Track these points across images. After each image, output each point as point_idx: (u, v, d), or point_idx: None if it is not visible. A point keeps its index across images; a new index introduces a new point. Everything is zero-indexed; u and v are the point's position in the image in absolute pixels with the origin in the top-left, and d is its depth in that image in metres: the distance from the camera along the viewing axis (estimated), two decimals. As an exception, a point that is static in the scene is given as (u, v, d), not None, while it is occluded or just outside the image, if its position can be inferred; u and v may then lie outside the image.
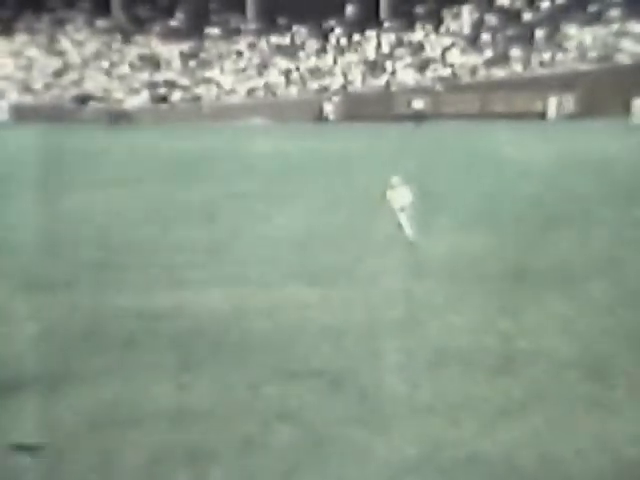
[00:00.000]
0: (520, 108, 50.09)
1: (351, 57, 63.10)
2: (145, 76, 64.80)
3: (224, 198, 25.21)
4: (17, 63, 65.25)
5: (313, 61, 63.62)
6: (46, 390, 10.42)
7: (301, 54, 64.54)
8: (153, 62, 66.33)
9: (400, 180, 18.58)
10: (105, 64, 66.03)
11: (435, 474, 8.19)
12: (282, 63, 64.12)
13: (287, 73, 63.02)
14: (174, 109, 60.99)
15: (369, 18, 64.12)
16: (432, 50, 59.85)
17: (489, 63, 56.94)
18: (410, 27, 62.29)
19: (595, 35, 53.62)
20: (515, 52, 56.67)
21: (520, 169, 29.36)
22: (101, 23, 69.49)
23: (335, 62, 63.10)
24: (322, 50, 64.55)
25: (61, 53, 66.93)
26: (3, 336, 12.51)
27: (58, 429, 9.38)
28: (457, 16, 61.38)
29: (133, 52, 67.39)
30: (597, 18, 54.42)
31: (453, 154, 35.53)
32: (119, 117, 56.84)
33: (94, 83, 63.78)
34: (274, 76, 63.21)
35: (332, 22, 66.10)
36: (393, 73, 59.53)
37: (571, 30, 54.94)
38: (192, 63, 66.16)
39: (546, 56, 54.72)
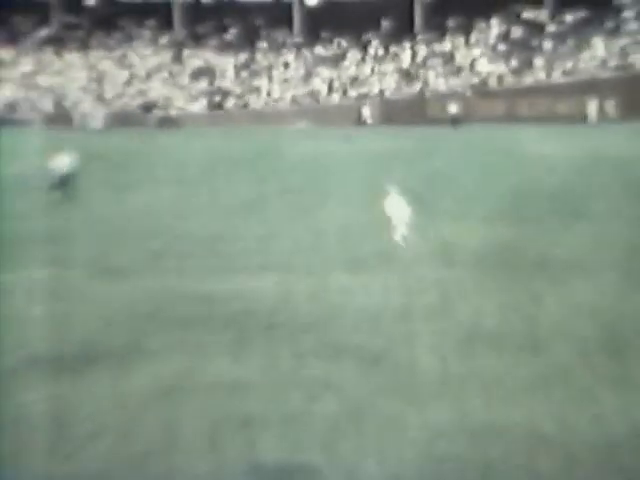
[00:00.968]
0: (560, 112, 49.75)
1: (387, 66, 62.92)
2: (202, 85, 65.29)
3: (273, 194, 25.23)
4: (91, 75, 66.10)
5: (353, 70, 63.60)
6: (119, 363, 10.58)
7: (342, 64, 64.58)
8: (209, 73, 66.77)
9: (396, 190, 16.98)
10: (167, 75, 66.64)
11: (465, 441, 8.14)
12: (325, 72, 64.22)
13: (329, 81, 63.09)
14: (228, 114, 61.31)
15: (404, 31, 64.06)
16: (462, 59, 59.44)
17: (515, 71, 56.45)
18: (442, 39, 61.97)
19: (614, 45, 52.88)
20: (539, 61, 56.13)
21: (548, 166, 28.99)
22: (164, 39, 70.20)
23: (373, 71, 62.98)
24: (361, 60, 64.48)
25: (129, 66, 67.67)
26: (82, 316, 12.69)
27: (130, 397, 9.50)
28: (485, 28, 60.91)
29: (192, 64, 67.93)
30: (616, 30, 53.70)
31: (486, 152, 35.18)
32: (166, 121, 57.48)
33: (157, 92, 64.41)
34: (317, 84, 63.35)
35: (370, 35, 66.10)
36: (426, 81, 59.24)
37: (593, 40, 54.24)
38: (244, 73, 66.48)
39: (568, 65, 54.07)
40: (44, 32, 69.39)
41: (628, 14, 54.97)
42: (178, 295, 13.73)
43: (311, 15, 69.99)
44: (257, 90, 63.74)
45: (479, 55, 59.91)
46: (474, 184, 25.04)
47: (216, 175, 30.53)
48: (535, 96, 52.11)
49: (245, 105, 62.47)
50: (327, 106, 60.20)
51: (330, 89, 62.84)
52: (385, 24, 66.05)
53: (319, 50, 67.02)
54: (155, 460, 8.02)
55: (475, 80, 57.27)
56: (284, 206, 23.18)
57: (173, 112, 61.02)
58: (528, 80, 55.79)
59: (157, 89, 64.37)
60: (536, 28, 59.42)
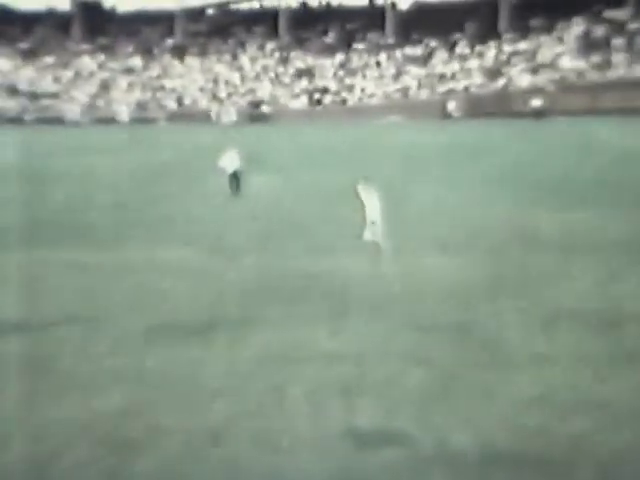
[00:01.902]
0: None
1: (473, 64, 61.53)
2: (304, 84, 65.45)
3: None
4: (207, 77, 67.31)
5: (440, 68, 62.50)
6: (232, 331, 10.62)
7: (430, 62, 63.54)
8: (310, 73, 66.86)
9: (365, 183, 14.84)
10: (273, 76, 67.13)
11: (552, 412, 7.72)
12: (414, 70, 63.35)
13: (418, 78, 62.21)
14: (326, 110, 61.29)
15: (489, 31, 62.53)
16: (544, 57, 57.48)
17: (595, 67, 54.14)
18: (525, 38, 60.08)
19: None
20: (619, 58, 53.63)
21: (629, 155, 27.75)
22: (271, 44, 70.84)
23: (459, 69, 61.73)
24: (448, 59, 63.29)
25: (240, 68, 68.53)
26: (201, 289, 12.84)
27: (239, 364, 9.51)
28: (567, 27, 58.62)
29: (295, 66, 68.18)
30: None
31: (568, 143, 33.99)
32: (258, 117, 58.67)
33: (264, 91, 64.99)
34: (407, 81, 62.56)
35: (457, 35, 64.84)
36: (510, 77, 57.60)
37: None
38: (341, 72, 66.32)
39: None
40: (169, 41, 71.07)
41: None
42: (284, 272, 13.70)
43: (402, 18, 69.10)
44: (352, 87, 63.47)
45: (561, 53, 57.88)
46: (560, 171, 24.22)
47: (315, 164, 30.51)
48: (615, 90, 49.95)
49: (342, 101, 62.33)
50: (416, 101, 59.44)
51: (419, 85, 62.00)
52: (470, 25, 64.70)
53: (409, 50, 66.20)
54: (259, 420, 7.94)
55: (557, 76, 55.37)
56: (378, 193, 22.86)
57: (267, 109, 61.38)
58: (608, 75, 53.57)
59: (264, 88, 64.91)
60: (617, 26, 56.90)
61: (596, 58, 54.75)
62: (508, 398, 8.07)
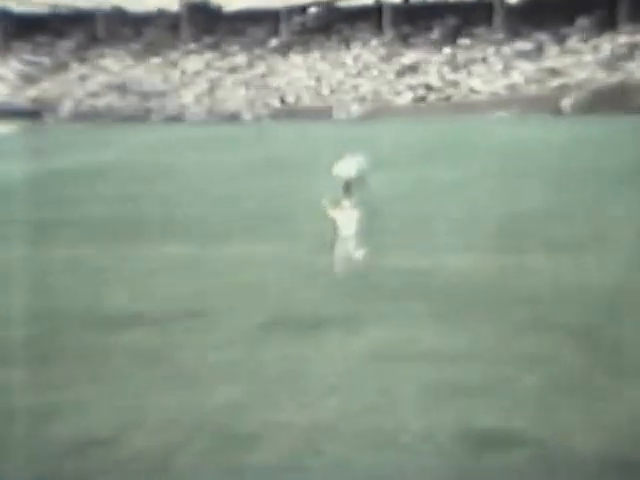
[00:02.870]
0: None
1: (587, 58, 59.32)
2: (408, 81, 65.01)
3: (474, 178, 24.56)
4: (310, 75, 67.87)
5: (551, 62, 60.63)
6: (343, 328, 10.69)
7: (541, 57, 61.77)
8: (414, 69, 66.32)
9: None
10: (376, 73, 66.97)
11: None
12: (524, 65, 61.76)
13: (528, 73, 60.60)
14: (430, 106, 60.61)
15: (604, 24, 60.09)
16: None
17: None
18: (644, 30, 57.36)
19: None
20: None
21: None
22: (374, 41, 70.68)
23: (571, 63, 59.64)
24: (560, 52, 61.31)
25: (344, 65, 68.74)
26: (310, 285, 13.00)
27: (351, 360, 9.55)
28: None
29: (398, 62, 67.82)
30: None
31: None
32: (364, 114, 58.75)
33: (367, 88, 64.93)
34: (516, 76, 61.03)
35: (569, 28, 62.62)
36: (628, 71, 55.16)
37: None
38: (445, 68, 65.42)
39: None
40: (274, 39, 72.18)
41: None
42: (391, 270, 13.66)
43: (511, 12, 67.50)
44: (457, 83, 62.53)
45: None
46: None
47: (421, 160, 30.24)
48: None
49: (446, 98, 61.49)
50: (525, 97, 57.89)
51: (528, 81, 60.38)
52: (583, 18, 62.38)
53: (518, 44, 64.56)
54: (373, 417, 7.95)
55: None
56: (485, 189, 22.46)
57: (371, 105, 61.24)
58: None
59: (367, 85, 64.92)
60: None
61: None
62: (633, 402, 7.76)
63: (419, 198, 21.45)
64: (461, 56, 66.30)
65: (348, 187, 18.85)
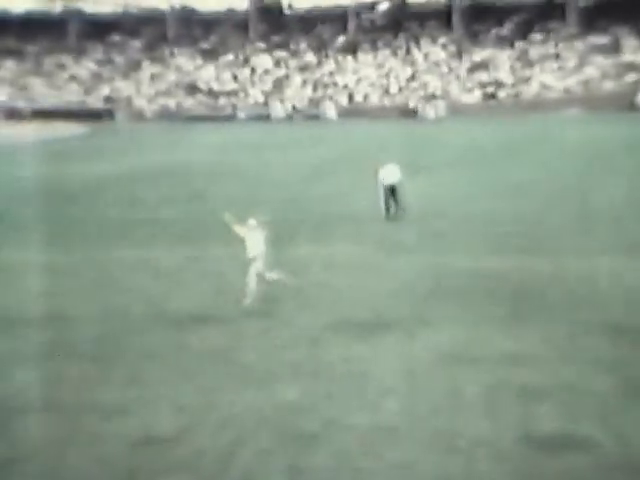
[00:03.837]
0: None
1: (666, 52, 57.31)
2: (478, 77, 64.18)
3: (545, 178, 24.07)
4: (379, 73, 67.73)
5: (629, 57, 58.87)
6: (406, 329, 10.70)
7: (617, 51, 60.03)
8: (484, 66, 65.41)
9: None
10: (445, 70, 66.37)
11: None
12: (598, 60, 60.16)
13: (603, 69, 58.99)
14: (500, 104, 59.68)
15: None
16: None
17: None
18: None
19: None
20: None
21: None
22: (443, 38, 70.02)
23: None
24: (639, 47, 59.43)
25: (412, 63, 68.36)
26: (372, 286, 13.03)
27: (414, 363, 9.54)
28: None
29: (469, 59, 67.04)
30: None
31: None
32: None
33: (436, 85, 64.42)
34: (590, 72, 59.49)
35: (648, 21, 60.48)
36: None
37: None
38: (516, 65, 64.31)
39: None
40: (342, 37, 72.27)
41: None
42: (454, 270, 13.57)
43: (585, 6, 65.85)
44: (529, 80, 61.40)
45: None
46: None
47: (491, 159, 29.82)
48: None
49: (517, 95, 60.45)
50: (600, 93, 56.39)
51: (603, 76, 58.79)
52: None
53: (593, 39, 62.92)
54: (437, 421, 7.94)
55: None
56: (557, 190, 22.02)
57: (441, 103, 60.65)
58: None
59: (436, 83, 64.39)
60: None
61: None
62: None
63: (483, 200, 21.16)
64: (533, 52, 65.07)
65: (393, 192, 18.87)
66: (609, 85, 57.47)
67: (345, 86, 66.97)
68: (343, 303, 12.00)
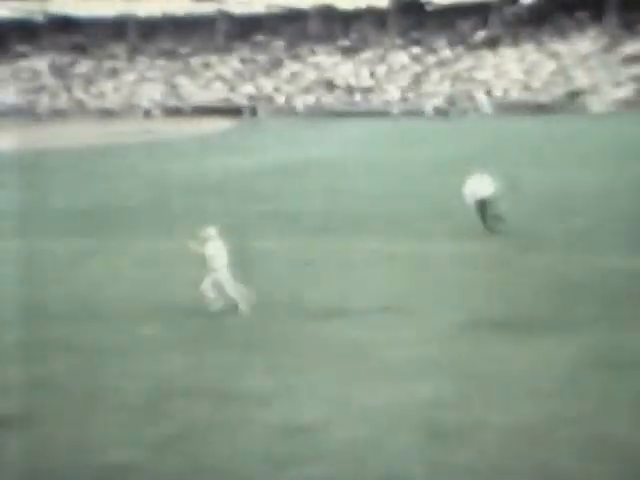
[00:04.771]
0: None
1: None
2: (631, 71, 61.02)
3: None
4: (520, 67, 65.90)
5: None
6: (547, 331, 10.33)
7: None
8: (638, 59, 62.06)
9: None
10: (594, 64, 63.52)
11: None
12: None
13: None
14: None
15: None
16: None
17: None
18: None
19: None
20: None
21: None
22: (593, 30, 67.08)
23: None
24: None
25: (556, 56, 65.98)
26: (503, 284, 12.69)
27: (556, 365, 9.24)
28: None
29: (622, 51, 63.84)
30: None
31: None
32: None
33: (584, 80, 61.81)
34: None
35: None
36: None
37: None
38: (675, 57, 60.51)
39: None
40: (482, 32, 70.87)
41: None
42: (605, 269, 13.06)
43: None
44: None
45: None
46: None
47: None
48: None
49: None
50: None
51: None
52: None
53: None
54: (583, 426, 7.71)
55: None
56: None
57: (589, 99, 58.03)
58: None
59: (583, 77, 61.80)
60: None
61: None
62: None
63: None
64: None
65: (483, 208, 16.39)
66: None
67: (484, 81, 65.57)
68: (475, 300, 11.82)
